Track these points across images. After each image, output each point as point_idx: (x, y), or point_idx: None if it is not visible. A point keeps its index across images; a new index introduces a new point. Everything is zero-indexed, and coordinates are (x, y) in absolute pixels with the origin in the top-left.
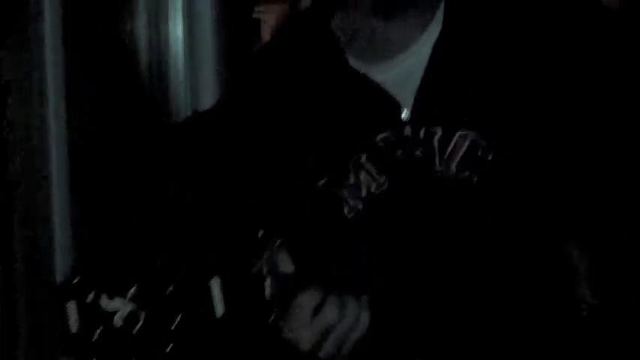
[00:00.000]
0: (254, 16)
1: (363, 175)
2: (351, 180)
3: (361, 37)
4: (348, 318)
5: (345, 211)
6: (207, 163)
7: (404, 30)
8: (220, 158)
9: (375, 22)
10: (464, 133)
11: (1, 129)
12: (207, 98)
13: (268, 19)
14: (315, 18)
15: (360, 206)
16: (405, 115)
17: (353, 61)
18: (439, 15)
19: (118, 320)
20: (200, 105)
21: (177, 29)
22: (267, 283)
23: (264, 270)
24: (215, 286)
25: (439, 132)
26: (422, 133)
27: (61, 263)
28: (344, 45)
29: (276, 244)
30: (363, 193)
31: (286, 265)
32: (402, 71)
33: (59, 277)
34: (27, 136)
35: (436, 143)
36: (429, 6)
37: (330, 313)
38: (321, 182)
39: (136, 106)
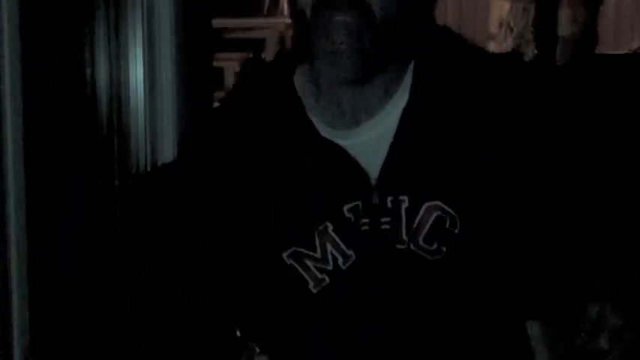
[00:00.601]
0: (215, 64)
1: (329, 247)
2: (318, 252)
3: (326, 101)
4: None
5: (311, 285)
6: (167, 230)
7: (370, 98)
8: (181, 225)
9: (342, 89)
10: (431, 204)
11: None
12: (168, 144)
13: (230, 67)
14: (278, 74)
15: (327, 280)
16: (372, 182)
17: (317, 125)
18: (405, 84)
19: None
20: (159, 154)
21: (137, 77)
22: None
23: None
24: None
25: (406, 201)
26: (389, 202)
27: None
28: (308, 107)
29: (256, 352)
30: (329, 266)
31: None
32: (368, 139)
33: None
34: None
35: (403, 213)
36: (395, 75)
37: None
38: (286, 253)
39: (95, 152)
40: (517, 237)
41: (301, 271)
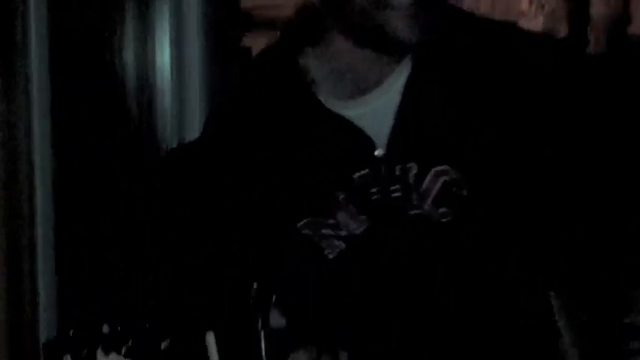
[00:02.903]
0: (242, 44)
1: (342, 215)
2: (331, 220)
3: (332, 74)
4: None
5: (327, 252)
6: (191, 204)
7: (375, 68)
8: (203, 199)
9: (347, 59)
10: (439, 169)
11: None
12: (194, 124)
13: (258, 46)
14: (283, 55)
15: (342, 246)
16: (379, 152)
17: (324, 99)
18: (407, 56)
19: None
20: (187, 132)
21: (164, 57)
22: (262, 337)
23: (259, 324)
24: (210, 340)
25: (415, 168)
26: (398, 169)
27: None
28: (314, 82)
29: (272, 300)
30: (344, 232)
31: (277, 320)
32: (374, 108)
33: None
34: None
35: (412, 180)
36: (398, 48)
37: None
38: (301, 223)
39: (123, 133)
40: (529, 205)
41: (317, 239)
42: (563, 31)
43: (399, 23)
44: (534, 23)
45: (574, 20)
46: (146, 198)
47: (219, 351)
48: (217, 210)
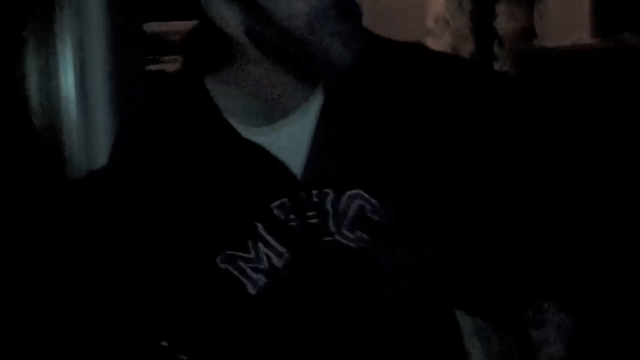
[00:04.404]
0: (150, 69)
1: (261, 247)
2: (251, 253)
3: (245, 99)
4: None
5: (249, 287)
6: (97, 240)
7: (290, 93)
8: (112, 236)
9: (260, 84)
10: (353, 192)
11: None
12: (102, 153)
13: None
14: (190, 81)
15: (264, 280)
16: (296, 178)
17: (237, 125)
18: (321, 85)
19: None
20: (94, 161)
21: (68, 84)
22: None
23: None
24: None
25: (331, 194)
26: (314, 195)
27: None
28: (224, 109)
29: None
30: (264, 265)
31: None
32: (289, 134)
33: None
34: None
35: (329, 205)
36: (311, 76)
37: None
38: (219, 258)
39: (28, 162)
40: (440, 226)
41: (237, 274)
42: (469, 47)
43: (328, 47)
44: (441, 41)
45: (479, 36)
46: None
47: None
48: (126, 247)
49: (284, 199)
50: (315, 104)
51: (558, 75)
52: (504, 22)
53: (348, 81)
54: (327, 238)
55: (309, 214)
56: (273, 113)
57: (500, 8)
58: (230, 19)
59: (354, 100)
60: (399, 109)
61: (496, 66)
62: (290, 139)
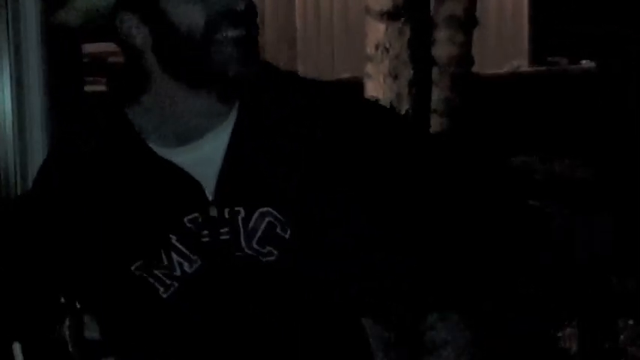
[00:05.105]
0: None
1: (174, 256)
2: (164, 261)
3: (160, 121)
4: None
5: (161, 291)
6: (25, 240)
7: (204, 115)
8: (39, 238)
9: (175, 107)
10: (263, 210)
11: None
12: (36, 164)
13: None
14: (112, 105)
15: (175, 285)
16: (208, 196)
17: (154, 146)
18: (236, 105)
19: None
20: (29, 180)
21: (5, 105)
22: (70, 347)
23: (66, 335)
24: (17, 350)
25: (242, 212)
26: (227, 213)
27: None
28: (144, 131)
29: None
30: (177, 272)
31: (92, 332)
32: (203, 154)
33: None
34: None
35: (240, 223)
36: (227, 100)
37: None
38: (135, 266)
39: None
40: (347, 239)
41: (151, 280)
42: (407, 73)
43: (225, 55)
44: (381, 67)
45: (418, 63)
46: None
47: None
48: (50, 247)
49: (196, 214)
50: (229, 126)
51: (494, 100)
52: (443, 49)
53: (256, 104)
54: (238, 253)
55: (222, 230)
56: (189, 134)
57: (439, 35)
58: (138, 36)
59: (260, 122)
60: (294, 132)
61: (435, 91)
62: (205, 159)
